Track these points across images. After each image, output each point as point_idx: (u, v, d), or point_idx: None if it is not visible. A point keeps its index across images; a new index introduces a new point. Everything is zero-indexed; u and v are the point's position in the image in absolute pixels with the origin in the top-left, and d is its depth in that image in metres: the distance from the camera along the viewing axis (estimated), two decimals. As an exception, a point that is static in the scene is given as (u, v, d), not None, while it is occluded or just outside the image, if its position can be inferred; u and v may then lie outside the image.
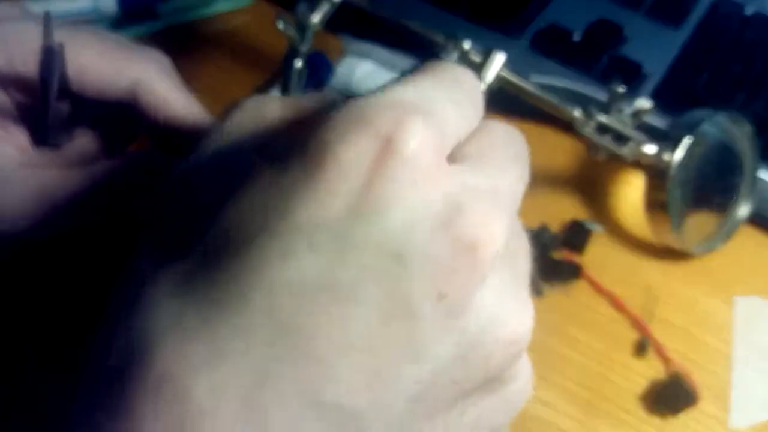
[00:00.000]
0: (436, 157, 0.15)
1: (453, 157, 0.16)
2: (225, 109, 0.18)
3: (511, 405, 0.17)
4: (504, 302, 0.15)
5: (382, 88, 0.16)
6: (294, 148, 0.15)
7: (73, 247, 0.27)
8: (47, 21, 0.23)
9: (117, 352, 0.14)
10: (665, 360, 0.33)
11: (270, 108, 0.18)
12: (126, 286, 0.16)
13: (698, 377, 0.33)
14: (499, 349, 0.15)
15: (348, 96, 0.17)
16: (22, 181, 0.24)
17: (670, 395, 0.32)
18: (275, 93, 0.39)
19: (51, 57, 0.23)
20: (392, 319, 0.14)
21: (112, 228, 0.25)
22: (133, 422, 0.13)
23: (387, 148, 0.14)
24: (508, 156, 0.17)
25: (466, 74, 0.18)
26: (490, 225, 0.15)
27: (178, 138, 0.27)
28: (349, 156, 0.14)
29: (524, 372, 0.17)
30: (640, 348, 0.34)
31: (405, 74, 0.17)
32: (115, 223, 0.25)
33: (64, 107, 0.25)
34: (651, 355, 0.34)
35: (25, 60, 0.24)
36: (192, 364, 0.13)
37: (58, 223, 0.24)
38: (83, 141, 0.27)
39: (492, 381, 0.16)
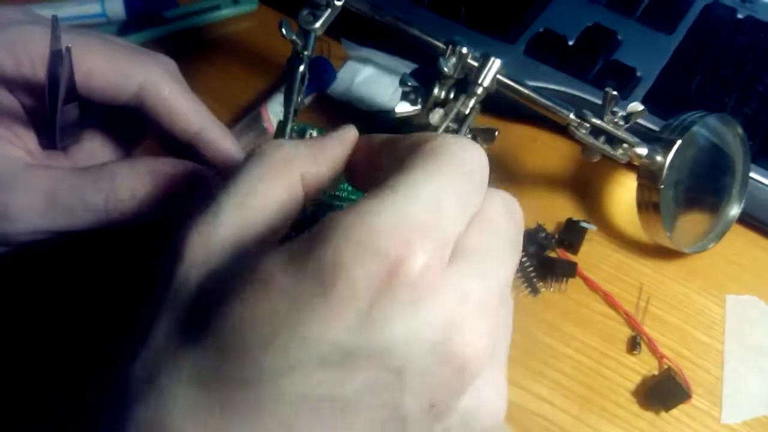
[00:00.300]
0: (439, 271, 0.16)
1: (456, 248, 0.17)
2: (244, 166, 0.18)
3: None
4: (483, 400, 0.17)
5: (391, 192, 0.16)
6: (309, 255, 0.15)
7: (80, 250, 0.27)
8: (55, 25, 0.23)
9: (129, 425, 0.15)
10: (658, 356, 0.34)
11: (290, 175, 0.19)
12: (137, 368, 0.16)
13: (690, 373, 0.33)
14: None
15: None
16: (29, 182, 0.24)
17: (663, 391, 0.32)
18: (278, 96, 0.39)
19: (58, 60, 0.23)
20: (386, 426, 0.15)
21: (118, 232, 0.25)
22: None
23: (396, 270, 0.15)
24: (506, 244, 0.18)
25: (475, 158, 0.18)
26: (480, 343, 0.16)
27: (185, 141, 0.27)
28: (361, 277, 0.15)
29: None
30: (634, 345, 0.34)
31: (407, 148, 0.17)
32: (121, 227, 0.25)
33: (71, 110, 0.25)
34: (644, 351, 0.34)
35: (34, 63, 0.24)
36: None
37: (64, 225, 0.24)
38: (91, 144, 0.27)
39: None
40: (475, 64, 0.32)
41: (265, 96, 0.40)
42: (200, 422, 0.15)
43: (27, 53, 0.24)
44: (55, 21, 0.23)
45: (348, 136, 0.22)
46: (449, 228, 0.16)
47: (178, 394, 0.15)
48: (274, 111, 0.39)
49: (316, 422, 0.15)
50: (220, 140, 0.27)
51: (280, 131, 0.28)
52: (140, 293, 0.18)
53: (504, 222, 0.19)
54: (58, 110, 0.24)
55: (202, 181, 0.25)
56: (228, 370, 0.15)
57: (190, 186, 0.25)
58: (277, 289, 0.15)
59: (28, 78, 0.25)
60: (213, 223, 0.17)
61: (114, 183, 0.24)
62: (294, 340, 0.15)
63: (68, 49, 0.23)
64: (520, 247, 0.19)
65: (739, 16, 0.46)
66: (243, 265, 0.16)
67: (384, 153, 0.20)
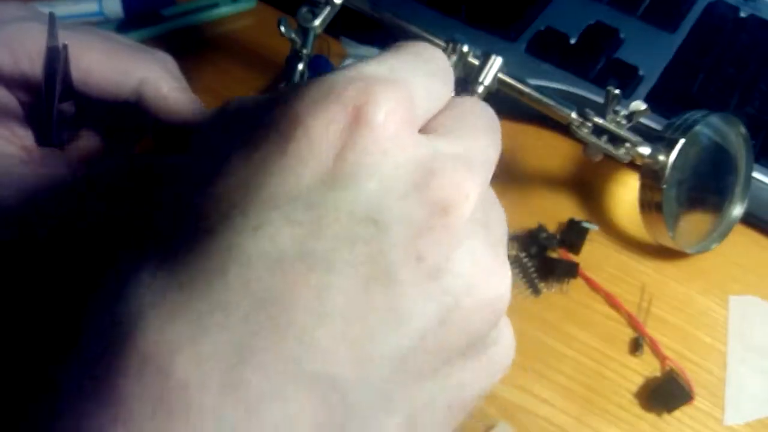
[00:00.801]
0: (406, 126, 0.15)
1: (424, 130, 0.16)
2: (212, 112, 0.19)
3: (493, 369, 0.17)
4: (482, 265, 0.15)
5: (352, 63, 0.16)
6: (265, 125, 0.15)
7: (74, 247, 0.27)
8: (51, 21, 0.23)
9: (100, 337, 0.14)
10: (660, 357, 0.34)
11: (250, 101, 0.18)
12: (110, 276, 0.15)
13: (693, 375, 0.33)
14: (479, 310, 0.15)
15: None
16: (24, 178, 0.23)
17: (666, 392, 0.32)
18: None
19: (55, 57, 0.23)
20: (371, 285, 0.14)
21: (112, 230, 0.25)
22: (119, 405, 0.13)
23: (356, 117, 0.15)
24: (479, 125, 0.17)
25: (435, 52, 0.18)
26: (463, 186, 0.15)
27: (182, 138, 0.27)
28: (319, 127, 0.14)
29: (505, 335, 0.17)
30: (636, 346, 0.34)
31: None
32: (116, 224, 0.25)
33: (68, 107, 0.25)
34: (646, 352, 0.34)
35: (32, 60, 0.24)
36: (174, 341, 0.13)
37: (59, 222, 0.24)
38: (88, 141, 0.27)
39: (473, 345, 0.16)
40: (476, 62, 0.31)
41: (263, 95, 0.40)
42: (162, 309, 0.14)
43: (25, 50, 0.24)
44: (52, 18, 0.23)
45: None
46: (414, 92, 0.16)
47: (141, 287, 0.14)
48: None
49: (288, 284, 0.14)
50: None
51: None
52: None
53: (476, 112, 0.18)
54: (54, 107, 0.24)
55: None
56: (189, 250, 0.14)
57: None
58: (235, 161, 0.15)
59: (26, 75, 0.25)
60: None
61: (110, 181, 0.24)
62: (254, 202, 0.14)
63: (65, 46, 0.23)
64: (499, 139, 0.18)
65: (742, 14, 0.46)
66: (208, 160, 0.16)
67: None
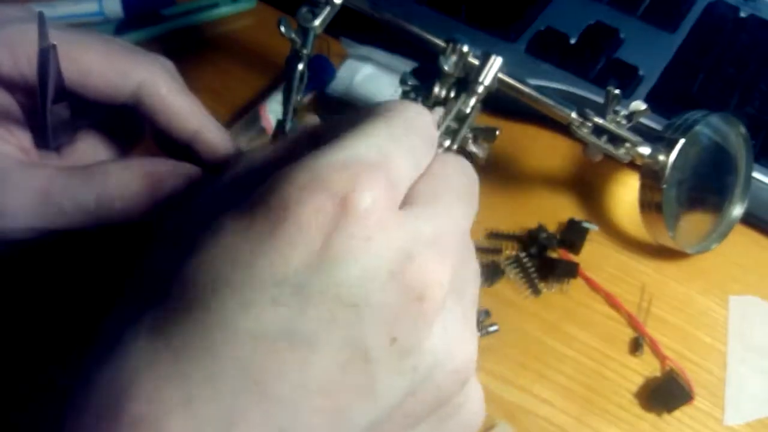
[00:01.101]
0: (390, 209, 0.16)
1: (406, 198, 0.17)
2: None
3: (465, 427, 0.18)
4: (451, 336, 0.17)
5: (338, 141, 0.17)
6: (259, 201, 0.16)
7: (73, 250, 0.27)
8: (41, 21, 0.22)
9: (95, 395, 0.15)
10: (660, 357, 0.34)
11: (257, 162, 0.19)
12: (105, 333, 0.16)
13: (693, 375, 0.33)
14: (447, 379, 0.17)
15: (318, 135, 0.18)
16: (21, 180, 0.23)
17: (666, 392, 0.32)
18: (277, 95, 0.39)
19: (46, 58, 0.23)
20: (348, 364, 0.15)
21: (111, 233, 0.25)
22: None
23: (343, 205, 0.15)
24: (458, 194, 0.18)
25: (420, 115, 0.19)
26: (437, 273, 0.16)
27: (182, 141, 0.27)
28: (307, 214, 0.15)
29: (474, 395, 0.18)
30: (636, 346, 0.34)
31: (362, 116, 0.18)
32: (114, 227, 0.25)
33: (62, 110, 0.25)
34: (646, 352, 0.34)
35: (31, 62, 0.24)
36: (166, 406, 0.14)
37: (56, 224, 0.24)
38: (85, 144, 0.27)
39: (442, 407, 0.17)
40: (476, 62, 0.31)
41: (263, 95, 0.40)
42: (155, 373, 0.15)
43: (24, 51, 0.24)
44: (42, 17, 0.23)
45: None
46: (397, 171, 0.17)
47: (136, 348, 0.15)
48: (272, 110, 0.38)
49: (272, 361, 0.15)
50: (218, 141, 0.27)
51: (279, 130, 0.27)
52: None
53: (455, 175, 0.19)
54: (47, 109, 0.24)
55: (195, 181, 0.25)
56: (181, 318, 0.15)
57: (182, 187, 0.24)
58: (227, 236, 0.16)
59: (26, 76, 0.24)
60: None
61: (106, 183, 0.24)
62: (243, 280, 0.15)
63: (53, 47, 0.23)
64: (475, 201, 0.19)
65: (742, 14, 0.46)
66: (201, 224, 0.17)
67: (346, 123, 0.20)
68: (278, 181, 0.16)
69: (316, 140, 0.19)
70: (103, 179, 0.24)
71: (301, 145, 0.19)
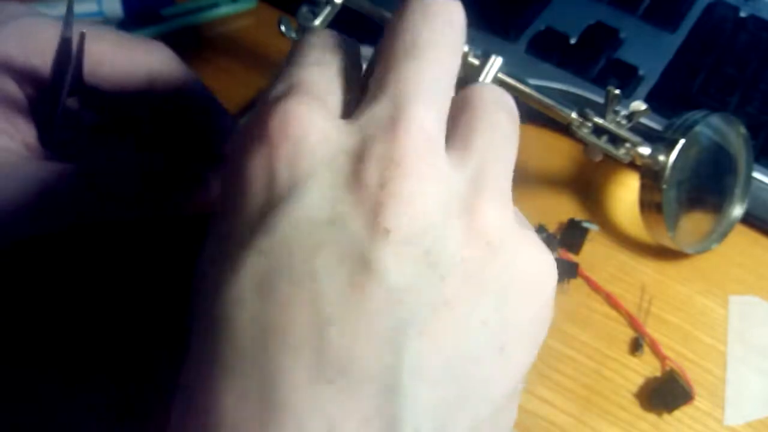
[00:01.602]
0: (323, 121, 0.16)
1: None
2: None
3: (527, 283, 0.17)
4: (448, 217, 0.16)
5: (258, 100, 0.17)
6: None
7: (76, 244, 0.27)
8: (69, 10, 0.22)
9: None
10: (660, 357, 0.34)
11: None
12: None
13: (693, 375, 0.33)
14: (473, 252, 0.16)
15: None
16: (24, 174, 0.23)
17: (666, 392, 0.32)
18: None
19: (67, 48, 0.22)
20: (354, 277, 0.14)
21: (114, 227, 0.25)
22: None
23: (270, 142, 0.15)
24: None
25: (324, 37, 0.20)
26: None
27: (197, 124, 0.27)
28: (248, 162, 0.16)
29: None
30: (636, 346, 0.34)
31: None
32: (117, 222, 0.25)
33: (72, 104, 0.24)
34: (646, 352, 0.34)
35: (43, 55, 0.24)
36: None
37: (59, 218, 0.24)
38: (89, 143, 0.27)
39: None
40: (476, 62, 0.31)
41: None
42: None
43: (37, 44, 0.24)
44: (70, 5, 0.22)
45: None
46: (319, 92, 0.17)
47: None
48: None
49: (282, 306, 0.14)
50: (227, 125, 0.27)
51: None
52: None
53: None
54: (62, 100, 0.24)
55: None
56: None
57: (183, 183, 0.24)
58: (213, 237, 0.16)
59: (37, 69, 0.24)
60: None
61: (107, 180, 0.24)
62: (230, 245, 0.15)
63: (82, 35, 0.22)
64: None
65: (742, 14, 0.46)
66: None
67: None
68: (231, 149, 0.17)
69: None
70: (107, 173, 0.24)
71: None
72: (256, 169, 0.15)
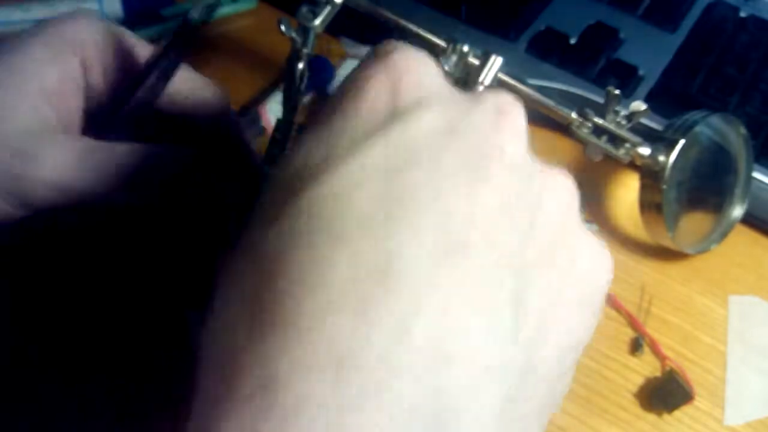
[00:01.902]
0: (437, 67, 0.17)
1: None
2: None
3: (582, 285, 0.18)
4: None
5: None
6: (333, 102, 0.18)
7: (76, 244, 0.27)
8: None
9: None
10: (661, 358, 0.34)
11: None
12: None
13: (693, 375, 0.33)
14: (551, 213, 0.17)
15: None
16: (62, 140, 0.22)
17: (666, 392, 0.32)
18: (277, 95, 0.39)
19: (164, 63, 0.23)
20: (476, 183, 0.15)
21: (114, 227, 0.25)
22: None
23: (395, 71, 0.17)
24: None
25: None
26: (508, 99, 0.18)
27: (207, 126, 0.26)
28: (369, 91, 0.16)
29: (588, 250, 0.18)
30: (636, 346, 0.34)
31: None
32: (117, 222, 0.24)
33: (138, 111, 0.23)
34: (647, 352, 0.34)
35: (124, 55, 0.24)
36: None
37: (90, 189, 0.22)
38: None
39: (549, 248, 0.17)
40: (476, 62, 0.31)
41: (263, 95, 0.40)
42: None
43: (113, 41, 0.24)
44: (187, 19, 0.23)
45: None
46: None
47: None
48: (272, 110, 0.38)
49: (407, 186, 0.15)
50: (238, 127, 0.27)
51: (279, 130, 0.27)
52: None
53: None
54: (131, 104, 0.23)
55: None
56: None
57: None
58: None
59: (107, 62, 0.24)
60: None
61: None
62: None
63: (178, 60, 0.23)
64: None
65: (742, 14, 0.46)
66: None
67: None
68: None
69: None
70: (148, 156, 0.23)
71: None
72: (380, 93, 0.16)
